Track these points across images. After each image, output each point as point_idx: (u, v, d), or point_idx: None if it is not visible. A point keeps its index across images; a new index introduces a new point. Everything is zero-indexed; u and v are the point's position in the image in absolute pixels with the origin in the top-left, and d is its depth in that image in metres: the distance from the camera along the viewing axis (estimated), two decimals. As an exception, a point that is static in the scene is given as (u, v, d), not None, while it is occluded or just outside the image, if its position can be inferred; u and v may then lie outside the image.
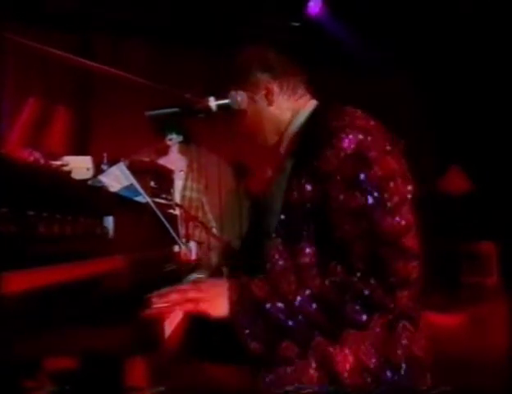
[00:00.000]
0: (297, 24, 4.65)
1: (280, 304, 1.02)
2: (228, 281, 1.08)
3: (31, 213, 0.72)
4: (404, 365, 1.06)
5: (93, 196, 1.08)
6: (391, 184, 1.04)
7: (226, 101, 1.24)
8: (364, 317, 1.00)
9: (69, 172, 1.15)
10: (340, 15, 4.60)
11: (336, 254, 1.04)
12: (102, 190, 1.27)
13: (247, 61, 1.27)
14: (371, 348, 1.05)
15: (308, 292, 1.02)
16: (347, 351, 1.05)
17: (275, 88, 1.25)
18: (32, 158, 1.12)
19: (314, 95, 1.31)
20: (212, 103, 1.24)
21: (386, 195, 1.03)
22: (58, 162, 1.19)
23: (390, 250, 1.00)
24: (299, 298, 1.02)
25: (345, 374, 1.03)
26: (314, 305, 1.01)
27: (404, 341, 1.07)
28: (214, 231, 3.72)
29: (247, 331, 1.03)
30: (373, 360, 1.04)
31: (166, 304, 0.96)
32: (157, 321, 0.75)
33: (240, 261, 1.44)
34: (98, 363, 0.60)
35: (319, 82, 1.30)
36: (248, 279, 1.08)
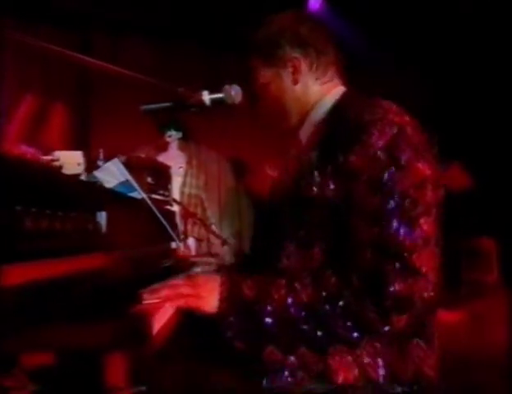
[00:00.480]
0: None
1: (268, 308, 0.97)
2: (221, 278, 1.04)
3: (19, 207, 0.71)
4: (412, 383, 1.00)
5: (85, 191, 1.08)
6: (419, 191, 0.95)
7: (219, 95, 1.23)
8: (355, 334, 0.94)
9: (60, 167, 1.14)
10: (341, 11, 4.58)
11: (334, 263, 0.98)
12: (94, 184, 1.26)
13: (277, 32, 1.18)
14: (380, 362, 0.98)
15: (296, 300, 0.96)
16: (351, 365, 0.98)
17: (303, 66, 1.17)
18: (25, 154, 1.11)
19: (345, 81, 1.24)
20: (206, 97, 1.23)
21: (408, 203, 0.93)
22: (49, 157, 1.18)
23: (396, 267, 0.91)
24: (286, 305, 0.96)
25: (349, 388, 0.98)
26: (303, 313, 0.95)
27: (416, 359, 1.01)
28: (213, 227, 3.72)
29: (232, 329, 0.99)
30: (381, 374, 0.98)
31: (157, 300, 0.94)
32: (146, 316, 0.75)
33: (247, 261, 1.39)
34: (76, 359, 0.60)
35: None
36: (240, 278, 1.03)
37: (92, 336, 0.63)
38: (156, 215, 1.61)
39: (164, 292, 0.99)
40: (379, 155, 0.95)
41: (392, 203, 0.93)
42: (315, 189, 1.02)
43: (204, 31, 4.44)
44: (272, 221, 1.18)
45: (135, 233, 1.45)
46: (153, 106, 1.26)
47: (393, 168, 0.94)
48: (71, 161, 1.22)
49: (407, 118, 1.03)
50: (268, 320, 0.96)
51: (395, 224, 0.92)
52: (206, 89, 1.24)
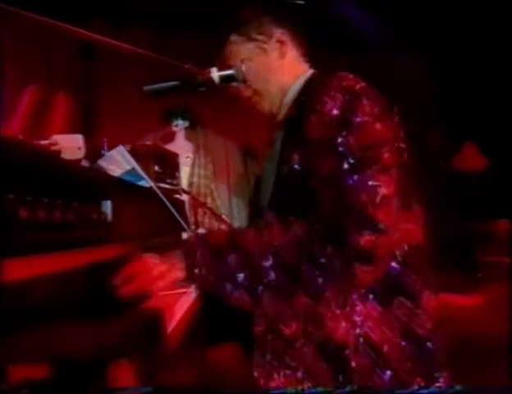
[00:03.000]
0: (302, 2, 4.53)
1: (233, 253, 0.99)
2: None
3: (11, 196, 0.63)
4: (403, 342, 1.00)
5: (88, 178, 1.00)
6: (374, 151, 0.97)
7: (229, 72, 1.14)
8: (320, 280, 0.95)
9: (58, 152, 1.06)
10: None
11: (300, 214, 1.00)
12: (98, 171, 1.18)
13: (259, 10, 1.21)
14: (372, 322, 0.99)
15: (264, 244, 0.98)
16: (350, 327, 0.99)
17: (288, 41, 1.20)
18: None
19: (313, 65, 1.25)
20: (215, 74, 1.14)
21: (364, 162, 0.96)
22: (46, 141, 1.10)
23: (355, 221, 0.93)
24: (254, 250, 0.98)
25: (350, 353, 0.97)
26: (270, 260, 0.97)
27: (402, 318, 1.01)
28: (224, 217, 3.65)
29: (199, 269, 0.99)
30: (377, 334, 0.99)
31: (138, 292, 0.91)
32: (158, 315, 0.67)
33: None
34: (78, 367, 0.52)
35: (326, 62, 1.23)
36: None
37: (91, 341, 0.55)
38: (165, 204, 1.54)
39: (140, 281, 0.95)
40: (332, 121, 0.99)
41: (346, 165, 0.96)
42: (285, 166, 1.07)
43: (205, 14, 4.35)
44: (256, 195, 1.22)
45: (143, 223, 1.37)
46: (156, 86, 1.16)
47: (345, 131, 0.98)
48: (71, 145, 1.15)
49: (362, 85, 1.04)
50: (233, 264, 0.98)
51: (350, 182, 0.95)
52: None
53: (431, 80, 5.11)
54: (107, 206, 1.00)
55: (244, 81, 1.16)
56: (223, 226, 3.36)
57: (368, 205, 0.94)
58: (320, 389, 0.97)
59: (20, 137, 1.10)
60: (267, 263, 0.97)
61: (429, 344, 1.03)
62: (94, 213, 0.92)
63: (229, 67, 1.16)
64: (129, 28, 4.38)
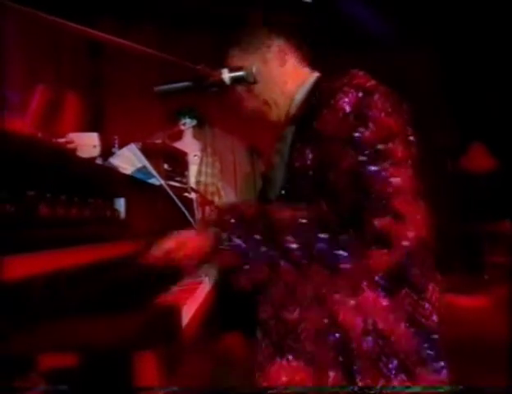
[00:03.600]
0: (308, 0, 4.53)
1: (261, 223, 1.03)
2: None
3: (31, 193, 0.66)
4: (409, 332, 1.03)
5: (103, 176, 1.02)
6: (389, 144, 1.02)
7: (240, 73, 1.16)
8: (337, 257, 0.99)
9: (74, 150, 1.09)
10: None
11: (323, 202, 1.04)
12: (112, 169, 1.21)
13: (257, 25, 1.25)
14: (378, 311, 1.03)
15: (289, 216, 1.03)
16: (359, 314, 1.02)
17: (287, 48, 1.23)
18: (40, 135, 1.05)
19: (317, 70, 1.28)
20: (226, 75, 1.16)
21: (380, 154, 1.00)
22: (62, 140, 1.12)
23: (375, 207, 0.98)
24: (279, 221, 1.02)
25: (355, 339, 1.00)
26: (291, 231, 1.01)
27: (408, 308, 1.05)
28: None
29: (227, 234, 1.03)
30: (383, 323, 1.02)
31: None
32: (174, 309, 0.69)
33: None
34: (104, 358, 0.54)
35: (335, 58, 1.24)
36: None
37: (114, 334, 0.57)
38: (175, 202, 1.56)
39: (167, 245, 1.02)
40: (347, 117, 1.03)
41: (364, 157, 1.00)
42: (297, 162, 1.10)
43: (213, 13, 4.36)
44: (265, 189, 1.25)
45: (154, 220, 1.40)
46: (167, 86, 1.18)
47: (361, 127, 1.02)
48: (87, 143, 1.17)
49: (373, 83, 1.08)
50: (258, 235, 1.02)
51: (370, 173, 0.99)
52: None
53: (439, 79, 5.09)
54: (121, 203, 1.02)
55: (255, 82, 1.18)
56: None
57: (385, 194, 0.98)
58: (324, 388, 0.99)
59: (40, 135, 1.13)
60: (288, 235, 1.01)
61: (433, 335, 1.05)
62: (108, 210, 0.95)
63: (240, 69, 1.17)
64: (137, 25, 4.40)
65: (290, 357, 1.02)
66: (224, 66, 1.19)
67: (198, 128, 4.02)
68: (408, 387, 1.01)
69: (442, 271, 1.12)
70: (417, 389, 1.02)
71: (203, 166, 4.00)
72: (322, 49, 1.31)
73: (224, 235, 1.03)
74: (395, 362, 1.00)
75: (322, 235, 1.00)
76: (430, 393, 1.03)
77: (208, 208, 3.17)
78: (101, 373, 0.53)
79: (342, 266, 0.99)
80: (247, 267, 1.02)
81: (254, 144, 4.62)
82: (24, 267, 0.62)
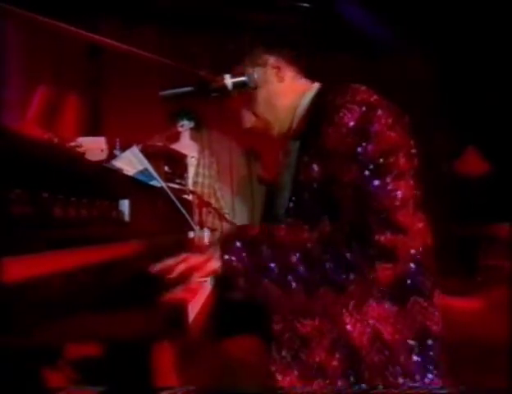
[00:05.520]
0: (307, 5, 4.56)
1: (266, 246, 1.05)
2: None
3: (45, 194, 0.69)
4: (416, 340, 1.05)
5: (109, 178, 1.05)
6: (391, 158, 1.04)
7: (242, 78, 1.19)
8: (343, 276, 1.01)
9: (83, 153, 1.11)
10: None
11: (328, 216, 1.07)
12: (116, 172, 1.24)
13: (252, 42, 1.26)
14: (385, 322, 1.05)
15: (294, 240, 1.04)
16: (365, 325, 1.04)
17: (283, 64, 1.25)
18: (46, 137, 1.08)
19: (315, 80, 1.30)
20: (228, 80, 1.19)
21: (383, 169, 1.03)
22: (72, 144, 1.15)
23: (379, 222, 0.99)
24: (284, 245, 1.04)
25: (364, 351, 1.03)
26: (297, 254, 1.02)
27: (419, 317, 1.07)
28: (227, 217, 3.70)
29: (235, 269, 1.05)
30: (390, 333, 1.04)
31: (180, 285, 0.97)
32: (181, 306, 0.72)
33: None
34: (123, 349, 0.57)
35: (332, 64, 1.26)
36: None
37: (127, 327, 0.60)
38: (175, 204, 1.59)
39: (179, 268, 1.02)
40: (351, 132, 1.05)
41: (367, 172, 1.02)
42: (303, 175, 1.12)
43: (213, 15, 4.39)
44: (272, 202, 1.27)
45: (155, 222, 1.42)
46: (172, 91, 1.21)
47: (364, 142, 1.04)
48: (94, 147, 1.19)
49: (375, 97, 1.11)
50: (266, 257, 1.04)
51: (371, 188, 1.01)
52: (216, 71, 1.22)
53: (434, 83, 5.13)
54: (125, 205, 1.05)
55: (256, 87, 1.21)
56: (228, 225, 3.41)
57: (389, 208, 1.00)
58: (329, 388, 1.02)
59: (56, 140, 1.15)
60: (295, 257, 1.02)
61: (440, 341, 1.08)
62: (114, 212, 0.97)
63: (242, 74, 1.21)
64: (139, 28, 4.42)
65: (303, 369, 1.05)
66: (225, 72, 1.22)
67: (196, 130, 4.04)
68: (413, 388, 1.03)
69: (437, 274, 1.15)
70: (421, 390, 1.04)
71: (201, 167, 4.02)
72: (321, 54, 1.33)
73: (230, 260, 1.05)
74: (399, 369, 1.03)
75: (327, 255, 1.01)
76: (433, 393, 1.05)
77: (205, 210, 3.20)
78: (122, 361, 0.56)
79: (348, 284, 1.01)
80: (257, 289, 1.04)
81: (251, 147, 4.65)
82: (38, 265, 0.64)
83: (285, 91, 1.25)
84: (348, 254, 1.00)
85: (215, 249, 1.08)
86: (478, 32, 4.58)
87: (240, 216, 4.71)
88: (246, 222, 4.64)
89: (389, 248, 0.99)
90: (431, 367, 1.06)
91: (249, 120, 1.28)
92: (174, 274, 1.01)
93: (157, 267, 1.02)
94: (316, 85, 1.27)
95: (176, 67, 1.15)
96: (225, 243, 1.08)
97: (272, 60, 1.24)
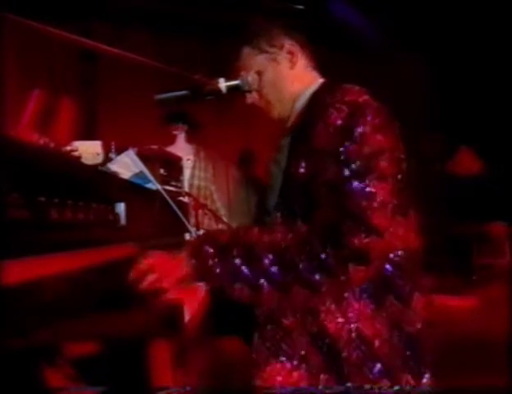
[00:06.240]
0: (301, 6, 4.58)
1: (238, 249, 1.05)
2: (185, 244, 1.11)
3: (42, 198, 0.70)
4: (393, 338, 1.06)
5: (104, 182, 1.06)
6: (374, 160, 1.03)
7: (236, 82, 1.21)
8: (317, 277, 1.01)
9: (79, 157, 1.13)
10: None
11: (303, 217, 1.07)
12: (112, 176, 1.25)
13: (269, 23, 1.26)
14: (364, 318, 1.06)
15: (267, 240, 1.04)
16: (343, 322, 1.05)
17: (298, 51, 1.25)
18: (42, 142, 1.10)
19: (323, 75, 1.29)
20: (222, 84, 1.20)
21: (363, 170, 1.02)
22: (68, 148, 1.16)
23: (353, 224, 0.99)
24: (257, 246, 1.04)
25: (342, 346, 1.04)
26: (271, 255, 1.03)
27: (392, 315, 1.08)
28: (223, 219, 3.70)
29: (205, 273, 1.04)
30: (368, 329, 1.05)
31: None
32: (177, 307, 0.74)
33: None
34: (120, 347, 0.58)
35: (325, 65, 1.28)
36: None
37: (123, 327, 0.61)
38: (171, 206, 1.60)
39: (150, 279, 1.00)
40: (337, 131, 1.05)
41: (347, 171, 1.02)
42: (292, 172, 1.13)
43: (205, 17, 4.40)
44: (264, 197, 1.28)
45: (151, 224, 1.44)
46: (167, 95, 1.22)
47: (347, 141, 1.04)
48: (90, 151, 1.20)
49: (365, 98, 1.10)
50: (238, 261, 1.04)
51: (350, 188, 1.01)
52: (211, 74, 1.23)
53: (427, 83, 5.17)
54: (121, 208, 1.06)
55: (250, 91, 1.22)
56: (225, 227, 3.42)
57: (365, 210, 1.00)
58: (319, 387, 1.03)
59: (52, 145, 1.16)
60: (268, 259, 1.03)
61: (417, 341, 1.09)
62: (110, 215, 0.99)
63: (235, 78, 1.22)
64: (130, 30, 4.42)
65: (284, 359, 1.06)
66: (220, 74, 1.23)
67: (191, 132, 4.05)
68: (405, 388, 1.05)
69: (432, 273, 1.16)
70: (408, 389, 1.05)
71: (197, 169, 4.02)
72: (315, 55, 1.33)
73: (199, 263, 1.04)
74: (379, 366, 1.04)
75: (301, 257, 1.01)
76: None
77: (201, 212, 3.20)
78: (119, 358, 0.57)
79: (321, 285, 1.02)
80: (229, 288, 1.04)
81: (246, 149, 4.66)
82: (35, 268, 0.66)
83: (293, 78, 1.25)
84: (322, 255, 1.00)
85: (183, 254, 1.07)
86: (470, 32, 4.62)
87: (236, 217, 4.72)
88: (242, 223, 4.65)
89: (362, 250, 0.99)
90: (410, 366, 1.06)
91: (252, 96, 1.27)
92: (144, 286, 0.98)
93: (130, 277, 0.98)
94: (319, 81, 1.27)
95: (170, 71, 1.16)
96: (193, 248, 1.07)
97: (288, 43, 1.24)
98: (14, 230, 0.65)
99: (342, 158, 1.03)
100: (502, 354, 2.45)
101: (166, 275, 1.03)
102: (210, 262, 1.04)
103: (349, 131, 1.05)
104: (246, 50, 1.26)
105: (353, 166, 1.02)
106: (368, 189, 1.01)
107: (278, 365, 1.06)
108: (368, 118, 1.06)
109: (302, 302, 1.05)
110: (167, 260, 1.06)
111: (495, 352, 2.53)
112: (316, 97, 1.21)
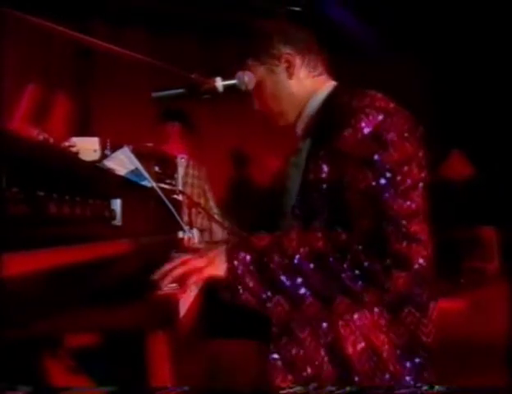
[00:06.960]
0: (297, 8, 4.60)
1: (277, 258, 1.02)
2: (226, 242, 1.10)
3: (41, 193, 0.71)
4: (409, 350, 1.06)
5: (101, 178, 1.07)
6: (405, 168, 1.03)
7: (232, 81, 1.22)
8: (360, 285, 0.99)
9: (76, 153, 1.13)
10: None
11: (343, 226, 1.05)
12: (109, 172, 1.25)
13: (268, 32, 1.26)
14: (378, 330, 1.05)
15: (307, 249, 1.02)
16: (358, 333, 1.05)
17: (296, 61, 1.24)
18: (41, 138, 1.10)
19: (333, 77, 1.29)
20: (219, 83, 1.21)
21: (398, 178, 1.02)
22: (66, 143, 1.16)
23: (394, 231, 0.99)
24: (297, 255, 1.02)
25: (355, 357, 1.04)
26: (312, 265, 1.01)
27: (411, 326, 1.07)
28: (216, 217, 3.71)
29: (240, 280, 1.03)
30: (381, 341, 1.05)
31: (174, 284, 0.97)
32: (171, 301, 0.75)
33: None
34: (120, 338, 0.60)
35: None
36: (249, 234, 1.09)
37: (118, 322, 0.62)
38: (165, 204, 1.61)
39: (177, 273, 1.01)
40: (367, 138, 1.04)
41: (383, 180, 1.01)
42: (312, 175, 1.11)
43: (202, 18, 4.41)
44: (276, 204, 1.27)
45: (146, 221, 1.44)
46: (164, 93, 1.23)
47: (381, 150, 1.03)
48: (88, 147, 1.21)
49: (392, 105, 1.10)
50: (277, 269, 1.01)
51: (387, 196, 1.01)
52: (207, 74, 1.24)
53: (419, 86, 5.20)
54: (117, 204, 1.07)
55: (246, 91, 1.23)
56: (218, 226, 3.42)
57: (405, 217, 1.00)
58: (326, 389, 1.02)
59: (52, 140, 1.17)
60: (310, 268, 1.01)
61: (430, 352, 1.09)
62: (106, 211, 1.00)
63: (232, 77, 1.23)
64: (128, 29, 4.42)
65: (298, 375, 1.05)
66: (217, 73, 1.24)
67: (186, 131, 4.05)
68: (408, 387, 1.05)
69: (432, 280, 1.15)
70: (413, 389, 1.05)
71: (190, 168, 4.02)
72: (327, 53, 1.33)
73: (235, 267, 1.02)
74: (388, 376, 1.04)
75: (343, 265, 1.00)
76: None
77: (194, 210, 3.21)
78: (118, 349, 0.58)
79: (364, 293, 1.00)
80: (263, 300, 1.02)
81: (240, 148, 4.67)
82: (33, 262, 0.66)
83: (292, 87, 1.24)
84: (365, 263, 0.98)
85: (219, 254, 1.05)
86: (463, 36, 4.66)
87: (228, 216, 4.72)
88: (234, 221, 4.66)
89: (405, 257, 0.98)
90: (418, 377, 1.07)
91: (256, 104, 1.28)
92: (171, 278, 0.99)
93: (158, 273, 1.00)
94: (330, 85, 1.26)
95: (166, 69, 1.17)
96: (232, 250, 1.05)
97: (286, 53, 1.23)
98: (11, 224, 0.66)
99: (376, 166, 1.02)
100: (491, 355, 2.49)
101: (195, 272, 1.02)
102: (246, 267, 1.02)
103: (380, 139, 1.04)
104: (250, 62, 1.26)
105: (388, 174, 1.02)
106: (404, 196, 1.01)
107: (290, 378, 1.05)
108: (398, 125, 1.06)
109: (343, 312, 1.04)
110: (198, 257, 1.06)
111: (484, 354, 2.57)
112: (332, 100, 1.20)
